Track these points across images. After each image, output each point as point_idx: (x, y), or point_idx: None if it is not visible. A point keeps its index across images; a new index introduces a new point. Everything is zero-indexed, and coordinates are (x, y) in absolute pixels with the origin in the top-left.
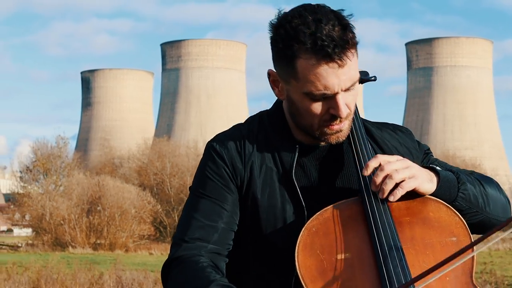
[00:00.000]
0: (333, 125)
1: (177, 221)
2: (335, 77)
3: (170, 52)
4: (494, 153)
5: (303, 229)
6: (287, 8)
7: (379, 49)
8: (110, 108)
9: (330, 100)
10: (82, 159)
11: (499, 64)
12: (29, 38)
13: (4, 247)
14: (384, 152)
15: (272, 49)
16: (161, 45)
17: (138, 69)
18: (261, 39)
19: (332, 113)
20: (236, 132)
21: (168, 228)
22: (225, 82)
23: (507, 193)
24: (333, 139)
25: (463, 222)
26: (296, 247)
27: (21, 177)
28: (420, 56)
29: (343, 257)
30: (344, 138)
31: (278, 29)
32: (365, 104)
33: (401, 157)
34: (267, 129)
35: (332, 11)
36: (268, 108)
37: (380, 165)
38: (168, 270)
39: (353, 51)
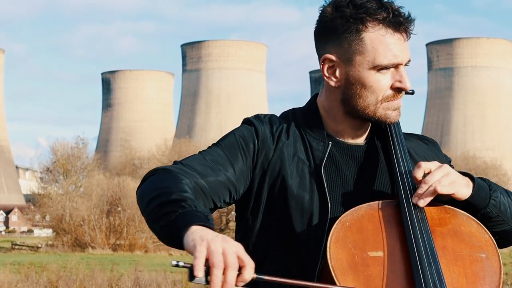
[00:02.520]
0: (394, 100)
1: None
2: (402, 48)
3: (191, 53)
4: None
5: (336, 222)
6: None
7: None
8: (131, 109)
9: (395, 73)
10: (102, 160)
11: None
12: (54, 40)
13: (24, 247)
14: (414, 161)
15: (329, 30)
16: (182, 46)
17: (158, 70)
18: (284, 40)
19: (397, 86)
20: (275, 118)
21: None
22: (246, 83)
23: None
24: (393, 116)
25: (493, 241)
26: (329, 239)
27: (41, 178)
28: (440, 57)
29: (375, 254)
30: (399, 118)
31: (340, 8)
32: None
33: (440, 163)
34: (300, 124)
35: None
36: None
37: (424, 174)
38: (152, 174)
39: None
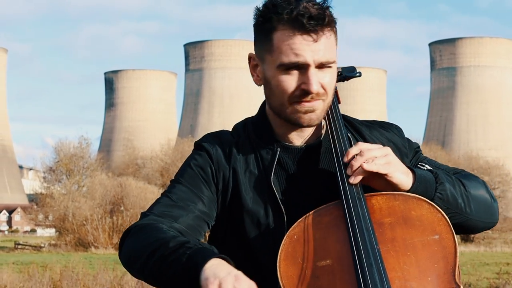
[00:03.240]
0: (303, 102)
1: None
2: (308, 49)
3: (194, 53)
4: None
5: (284, 237)
6: None
7: (406, 50)
8: (134, 108)
9: (302, 75)
10: (105, 159)
11: None
12: (58, 40)
13: (27, 247)
14: None
15: (254, 31)
16: (185, 45)
17: (161, 70)
18: None
19: (303, 88)
20: (224, 135)
21: None
22: (248, 82)
23: None
24: (305, 120)
25: (446, 219)
26: (278, 257)
27: (44, 178)
28: (443, 56)
29: (324, 264)
30: (317, 122)
31: (262, 8)
32: (390, 105)
33: (383, 146)
34: (251, 135)
35: None
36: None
37: (360, 151)
38: (127, 235)
39: (329, 30)
